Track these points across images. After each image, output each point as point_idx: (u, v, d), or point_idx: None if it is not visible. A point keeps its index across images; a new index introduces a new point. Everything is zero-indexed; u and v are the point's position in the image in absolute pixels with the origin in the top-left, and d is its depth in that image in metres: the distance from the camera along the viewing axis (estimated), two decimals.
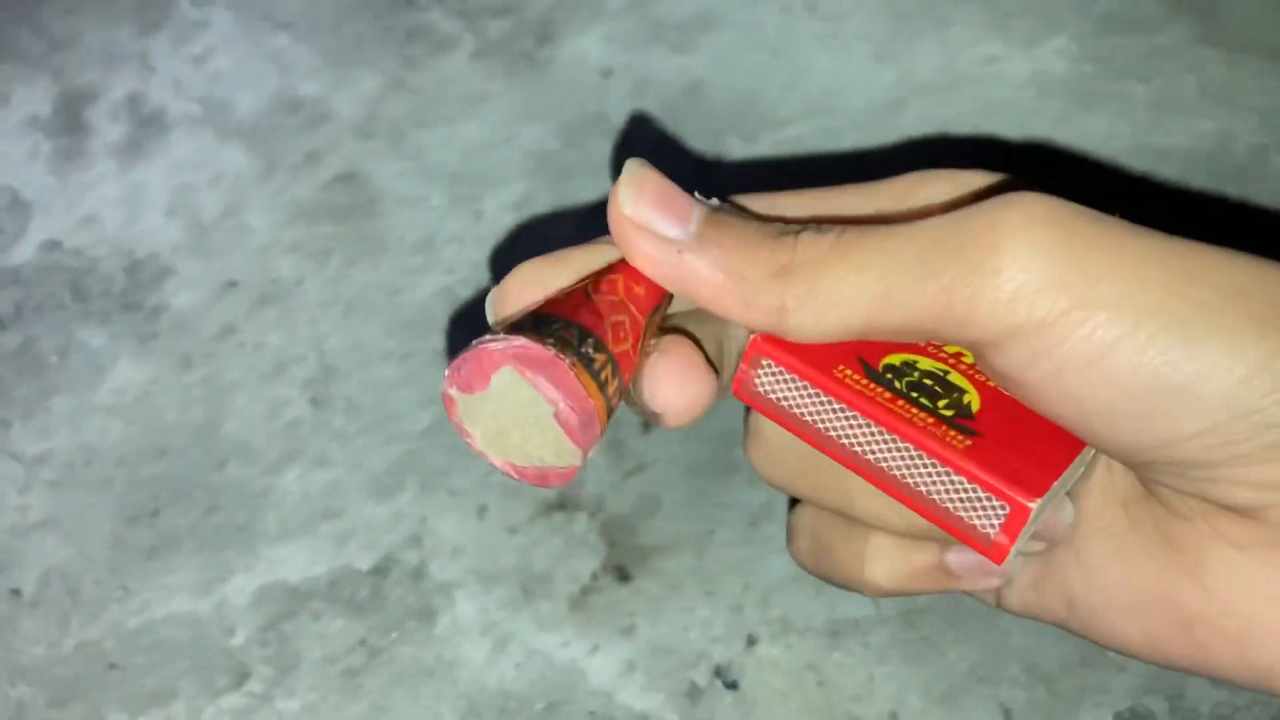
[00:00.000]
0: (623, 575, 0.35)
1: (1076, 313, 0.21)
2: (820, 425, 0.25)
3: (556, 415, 0.23)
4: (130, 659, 0.34)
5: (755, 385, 0.26)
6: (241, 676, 0.34)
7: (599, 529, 0.35)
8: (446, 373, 0.24)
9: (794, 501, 0.32)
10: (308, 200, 0.43)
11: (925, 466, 0.24)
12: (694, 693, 0.33)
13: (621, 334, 0.24)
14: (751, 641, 0.33)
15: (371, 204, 0.42)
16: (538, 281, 0.25)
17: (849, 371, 0.25)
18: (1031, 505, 0.23)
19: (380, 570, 0.35)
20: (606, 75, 0.44)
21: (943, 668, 0.32)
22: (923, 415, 0.24)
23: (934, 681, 0.32)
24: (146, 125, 0.45)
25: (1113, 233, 0.22)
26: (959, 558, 0.27)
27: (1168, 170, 0.41)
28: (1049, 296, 0.21)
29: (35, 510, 0.37)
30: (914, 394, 0.24)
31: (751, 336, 0.25)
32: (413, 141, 0.44)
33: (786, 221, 0.25)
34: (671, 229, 0.24)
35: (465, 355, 0.24)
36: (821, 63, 0.44)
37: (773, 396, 0.25)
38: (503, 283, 0.26)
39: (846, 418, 0.24)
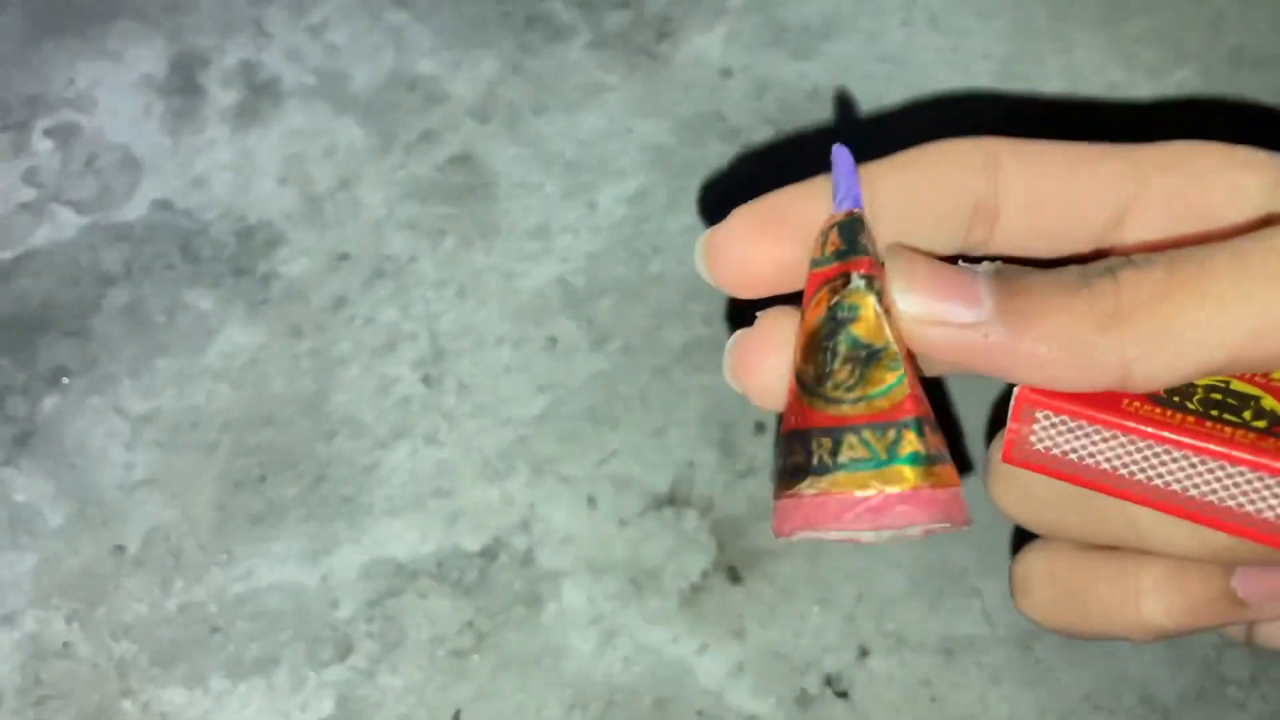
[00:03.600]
0: (734, 576, 0.34)
1: None
2: (1122, 470, 0.22)
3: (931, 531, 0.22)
4: (233, 624, 0.34)
5: (1033, 444, 0.22)
6: (345, 650, 0.33)
7: (710, 528, 0.35)
8: (780, 521, 0.22)
9: (1019, 541, 0.29)
10: (423, 178, 0.42)
11: (1270, 488, 0.21)
12: (804, 699, 0.32)
13: (911, 370, 0.22)
14: (864, 653, 0.33)
15: (486, 187, 0.42)
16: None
17: (1136, 404, 0.22)
18: None
19: (489, 553, 0.35)
20: (726, 75, 0.44)
21: (1057, 693, 0.32)
22: (1241, 433, 0.21)
23: (1048, 706, 0.32)
24: (260, 92, 0.45)
25: None
26: (1249, 582, 0.24)
27: None
28: None
29: (140, 469, 0.37)
30: (1214, 412, 0.22)
31: (1017, 388, 0.22)
32: (529, 127, 0.44)
33: (1068, 262, 0.22)
34: (966, 313, 0.21)
35: (806, 511, 0.21)
36: (943, 77, 0.44)
37: (1056, 451, 0.22)
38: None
39: (1155, 455, 0.21)
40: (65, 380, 0.38)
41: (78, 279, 0.40)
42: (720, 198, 0.42)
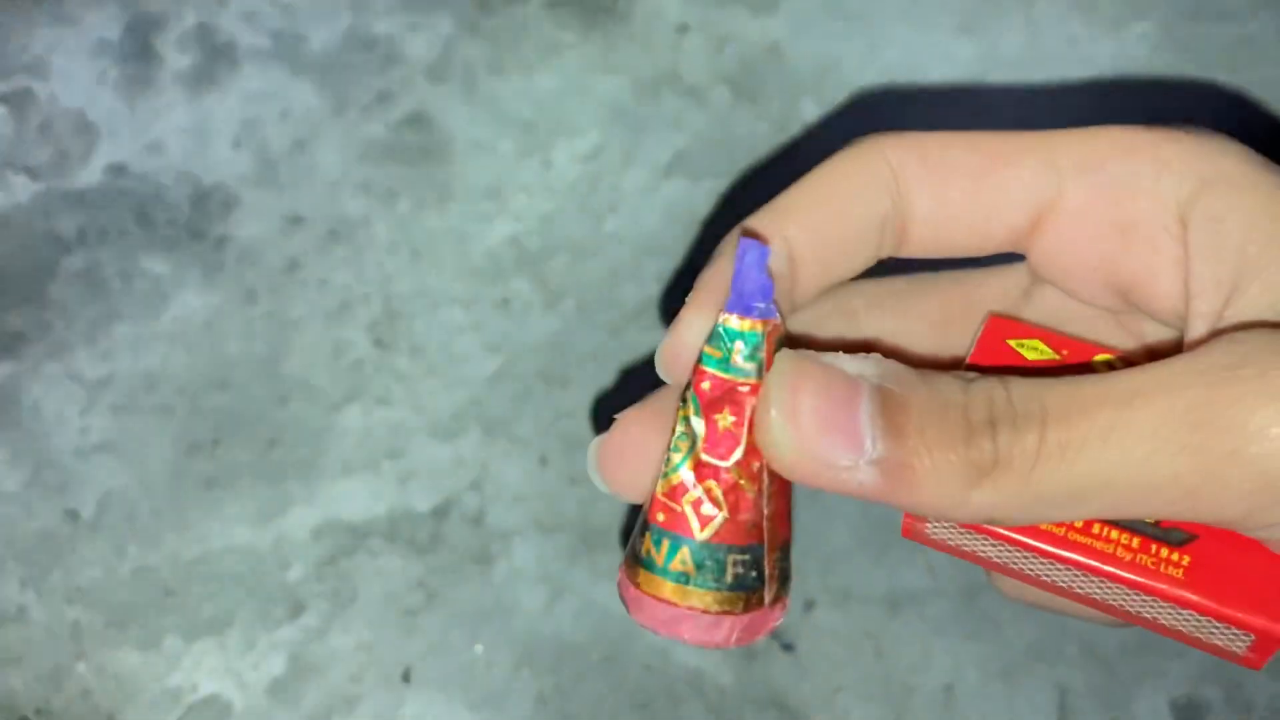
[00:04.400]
0: None
1: None
2: (1013, 567, 0.22)
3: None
4: (187, 587, 0.34)
5: (927, 534, 0.23)
6: (298, 609, 0.34)
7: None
8: (631, 612, 0.23)
9: None
10: (378, 140, 0.42)
11: (1146, 601, 0.21)
12: (750, 653, 0.33)
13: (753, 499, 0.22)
14: (810, 606, 0.33)
15: (441, 148, 0.42)
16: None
17: None
18: None
19: (440, 513, 0.35)
20: (683, 31, 0.44)
21: (1000, 644, 0.32)
22: (1126, 538, 0.21)
23: (991, 657, 0.32)
24: (216, 56, 0.45)
25: None
26: None
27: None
28: None
29: (95, 433, 0.37)
30: None
31: None
32: (485, 87, 0.43)
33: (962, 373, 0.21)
34: (843, 457, 0.20)
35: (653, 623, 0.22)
36: (902, 33, 0.44)
37: (951, 544, 0.23)
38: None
39: (1040, 563, 0.22)
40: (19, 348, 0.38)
41: (32, 245, 0.40)
42: (676, 157, 0.42)
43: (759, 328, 0.21)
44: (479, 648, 0.32)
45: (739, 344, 0.21)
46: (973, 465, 0.20)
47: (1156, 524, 0.21)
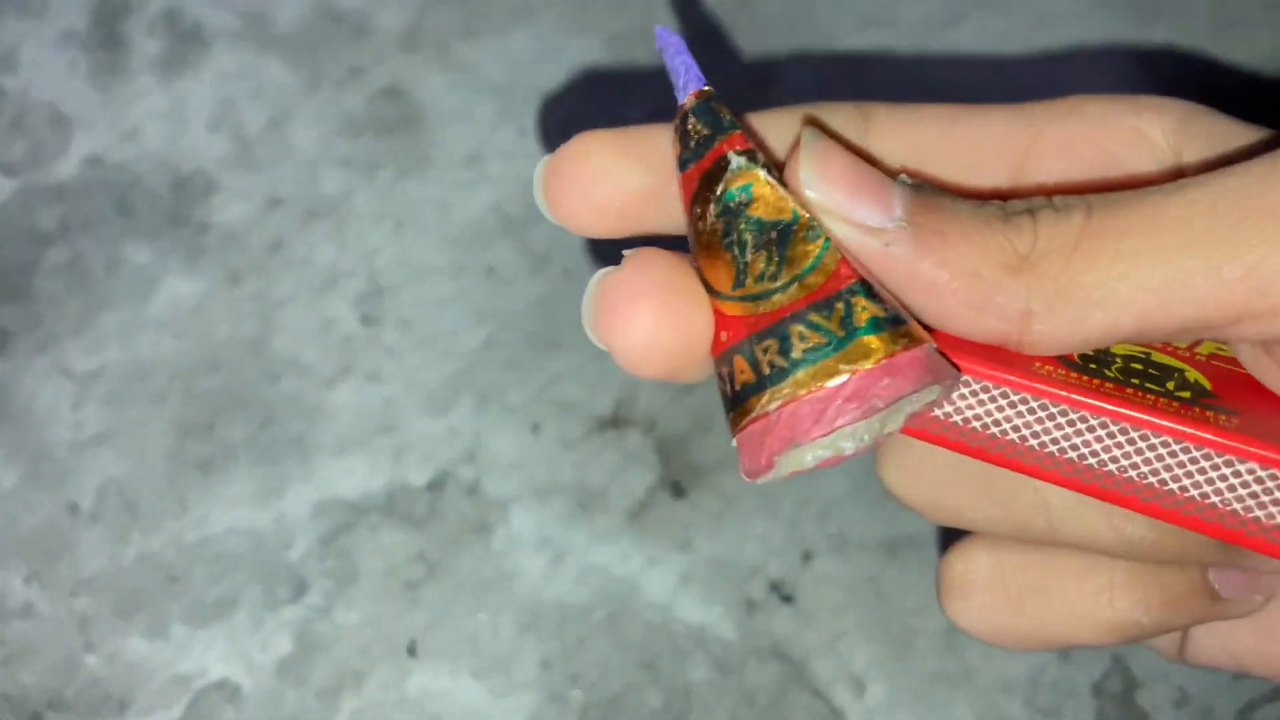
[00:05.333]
0: (678, 491, 0.35)
1: None
2: (1033, 441, 0.20)
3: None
4: (191, 571, 0.34)
5: (935, 414, 0.20)
6: (301, 588, 0.34)
7: (653, 445, 0.35)
8: (750, 457, 0.19)
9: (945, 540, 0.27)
10: (353, 114, 0.42)
11: (1196, 462, 0.19)
12: (750, 605, 0.33)
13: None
14: (808, 556, 0.33)
15: (418, 117, 0.42)
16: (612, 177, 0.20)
17: (1049, 367, 0.19)
18: None
19: (436, 485, 0.35)
20: None
21: None
22: (1167, 401, 0.19)
23: None
24: (185, 39, 0.44)
25: None
26: (1227, 576, 0.22)
27: (1233, 82, 0.40)
28: None
29: (90, 425, 0.37)
30: (1135, 380, 0.20)
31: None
32: (458, 54, 0.43)
33: (985, 197, 0.20)
34: (874, 216, 0.19)
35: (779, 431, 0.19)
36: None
37: (960, 420, 0.20)
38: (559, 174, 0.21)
39: (1070, 422, 0.19)
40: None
41: (14, 241, 0.40)
42: (652, 114, 0.41)
43: (707, 95, 0.21)
44: (482, 615, 0.33)
45: (718, 105, 0.21)
46: (1011, 245, 0.18)
47: (1195, 399, 0.19)
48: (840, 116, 0.22)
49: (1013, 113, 0.22)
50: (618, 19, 0.43)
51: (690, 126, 0.21)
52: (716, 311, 0.20)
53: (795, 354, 0.19)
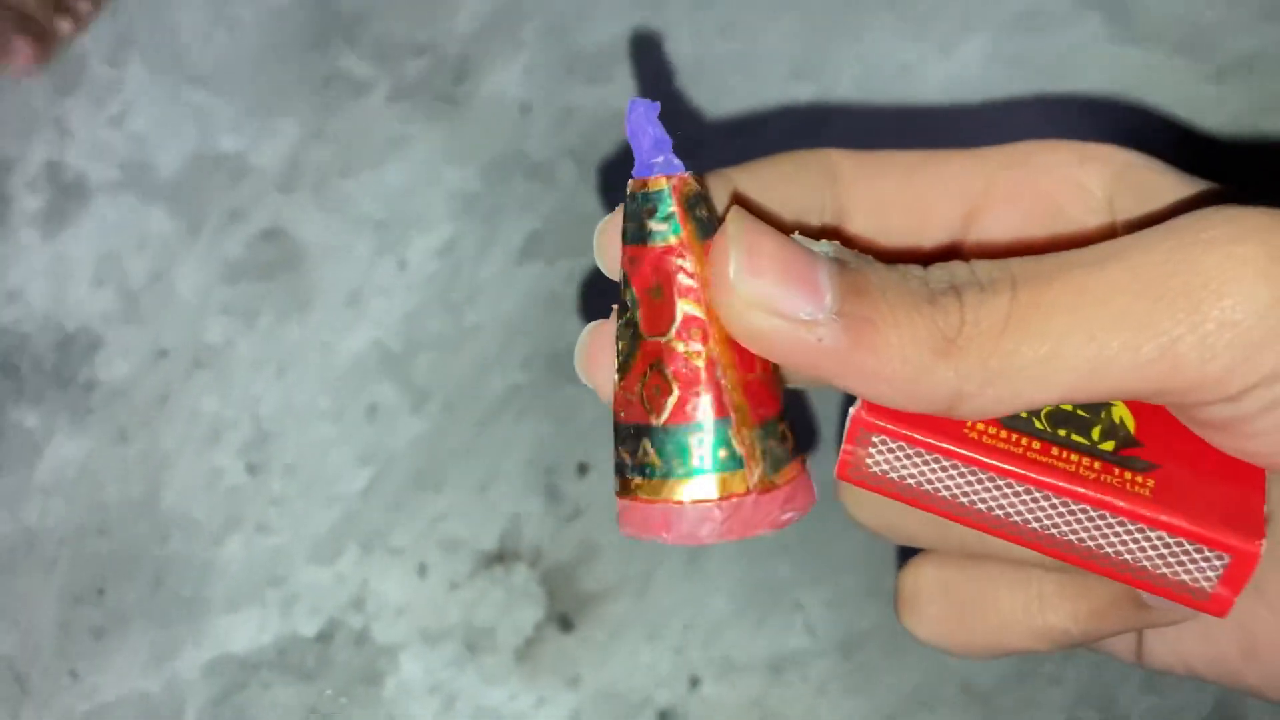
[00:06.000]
0: (566, 624, 0.35)
1: None
2: (962, 500, 0.21)
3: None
4: None
5: (869, 466, 0.21)
6: None
7: (539, 579, 0.36)
8: (620, 521, 0.21)
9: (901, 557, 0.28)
10: (234, 259, 0.42)
11: (1110, 527, 0.20)
12: None
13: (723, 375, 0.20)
14: (695, 682, 0.34)
15: (298, 258, 0.42)
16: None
17: (980, 425, 0.20)
18: (1257, 549, 0.19)
19: (325, 636, 0.35)
20: (526, 110, 0.44)
21: (883, 695, 0.33)
22: (1088, 461, 0.20)
23: (875, 709, 0.33)
24: (67, 193, 0.45)
25: None
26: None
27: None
28: None
29: None
30: (1061, 431, 0.21)
31: (854, 408, 0.21)
32: (336, 191, 0.44)
33: (933, 257, 0.21)
34: (805, 308, 0.19)
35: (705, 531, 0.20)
36: (737, 84, 0.44)
37: (894, 476, 0.21)
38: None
39: (996, 486, 0.20)
40: None
41: None
42: (529, 239, 0.42)
43: (663, 184, 0.20)
44: None
45: (648, 206, 0.20)
46: (939, 329, 0.19)
47: (1116, 450, 0.20)
48: (809, 164, 0.23)
49: (968, 159, 0.23)
50: (490, 145, 0.44)
51: (629, 209, 0.21)
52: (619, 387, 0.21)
53: (653, 462, 0.20)
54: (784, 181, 0.23)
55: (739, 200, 0.22)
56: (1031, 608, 0.24)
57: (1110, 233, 0.22)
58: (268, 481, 0.38)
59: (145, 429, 0.39)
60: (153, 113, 0.46)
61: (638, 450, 0.20)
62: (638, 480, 0.20)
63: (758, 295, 0.19)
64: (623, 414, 0.20)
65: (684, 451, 0.20)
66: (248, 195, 0.44)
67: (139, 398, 0.40)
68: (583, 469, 0.37)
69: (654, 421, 0.20)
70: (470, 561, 0.36)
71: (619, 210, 0.21)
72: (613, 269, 0.22)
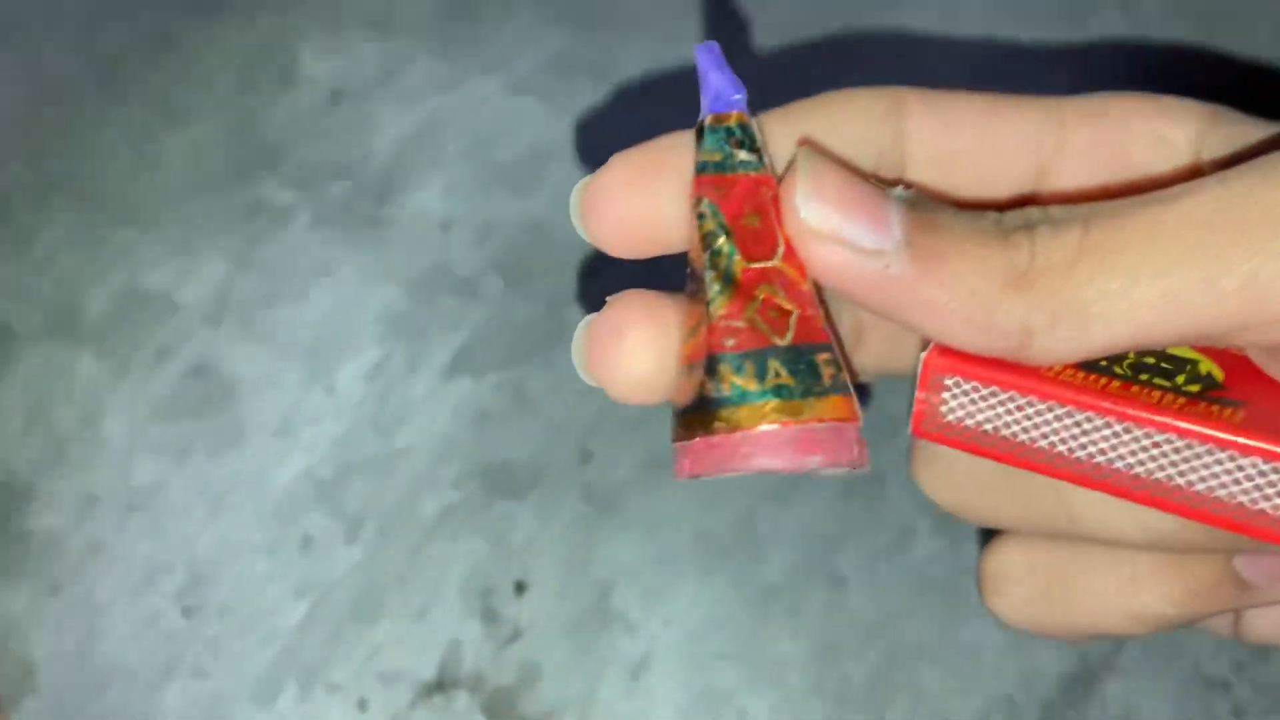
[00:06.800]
0: None
1: None
2: (1042, 442, 0.20)
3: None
4: None
5: (944, 415, 0.21)
6: None
7: (481, 705, 0.35)
8: (679, 465, 0.20)
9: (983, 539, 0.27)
10: (163, 398, 0.42)
11: (1200, 458, 0.19)
12: None
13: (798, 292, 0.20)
14: None
15: (227, 393, 0.42)
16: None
17: (1057, 367, 0.20)
18: None
19: None
20: (447, 227, 0.45)
21: None
22: (1171, 397, 0.20)
23: None
24: None
25: None
26: (1254, 564, 0.22)
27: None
28: None
29: None
30: (1144, 376, 0.20)
31: (925, 352, 0.21)
32: (263, 321, 0.44)
33: (988, 207, 0.20)
34: (870, 237, 0.19)
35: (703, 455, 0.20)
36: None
37: (970, 423, 0.21)
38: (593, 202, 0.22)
39: (1076, 423, 0.20)
40: None
41: None
42: (457, 355, 0.42)
43: (748, 118, 0.21)
44: None
45: (735, 138, 0.21)
46: (1009, 263, 0.19)
47: (1204, 392, 0.20)
48: (876, 105, 0.22)
49: (1043, 109, 0.22)
50: (414, 264, 0.44)
51: (708, 143, 0.21)
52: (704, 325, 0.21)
53: (722, 389, 0.20)
54: (852, 120, 0.22)
55: (807, 141, 0.21)
56: (1126, 589, 0.23)
57: (1195, 175, 0.21)
58: (204, 623, 0.38)
59: (78, 579, 0.39)
60: (79, 254, 0.46)
61: (764, 374, 0.20)
62: (763, 405, 0.19)
63: (825, 225, 0.19)
64: (730, 341, 0.20)
65: (815, 370, 0.20)
66: (175, 332, 0.44)
67: (71, 547, 0.40)
68: (520, 587, 0.37)
69: (779, 342, 0.20)
70: (410, 692, 0.35)
71: (615, 164, 0.22)
72: (611, 232, 0.22)
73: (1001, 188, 0.23)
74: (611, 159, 0.22)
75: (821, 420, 0.20)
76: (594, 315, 0.22)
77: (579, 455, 0.40)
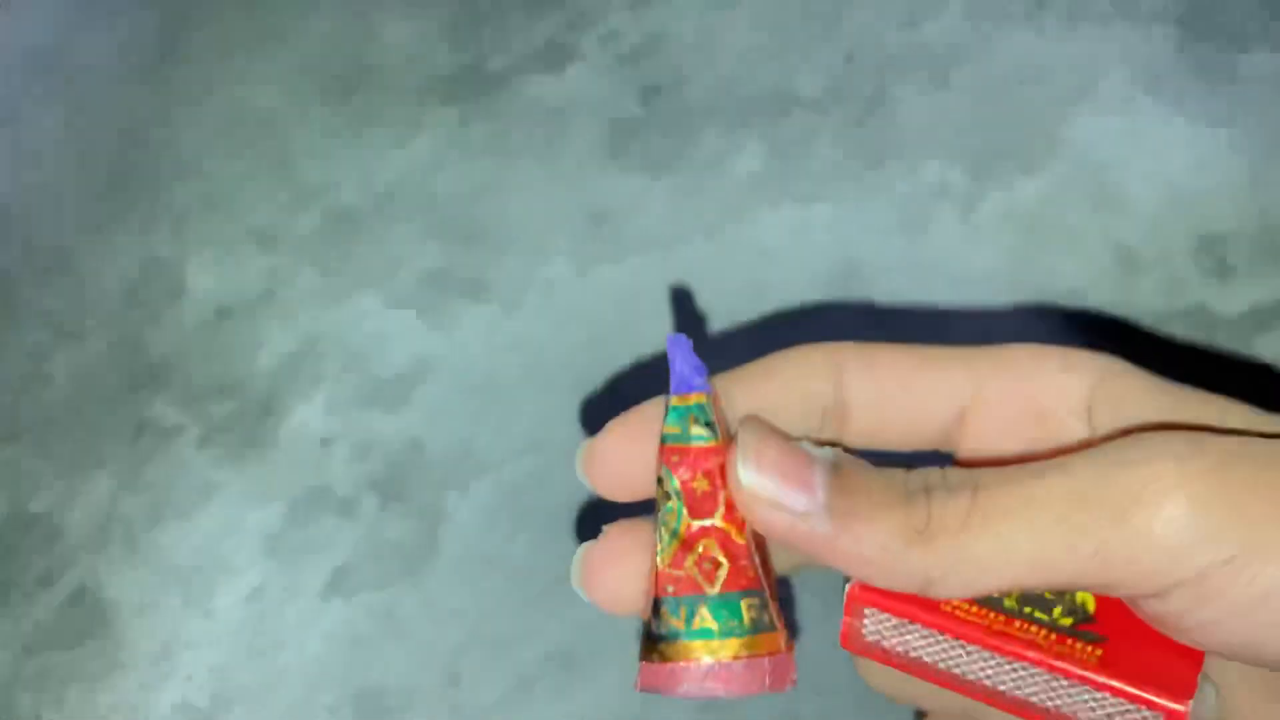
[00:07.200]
0: None
1: (1240, 561, 0.21)
2: (940, 664, 0.25)
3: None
4: None
5: (865, 636, 0.25)
6: None
7: None
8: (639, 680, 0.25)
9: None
10: (43, 625, 0.43)
11: (1061, 688, 0.23)
12: None
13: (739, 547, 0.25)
14: None
15: (107, 620, 0.43)
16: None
17: (956, 601, 0.24)
18: (1184, 709, 0.23)
19: None
20: (327, 445, 0.46)
21: None
22: (1044, 633, 0.24)
23: None
24: None
25: (1268, 472, 0.22)
26: None
27: None
28: (1209, 549, 0.21)
29: None
30: (1027, 609, 0.24)
31: (849, 585, 0.25)
32: (146, 543, 0.45)
33: (906, 467, 0.24)
34: (799, 501, 0.23)
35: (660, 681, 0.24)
36: (528, 400, 0.47)
37: (886, 644, 0.25)
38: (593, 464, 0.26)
39: (966, 653, 0.24)
40: None
41: None
42: (333, 577, 0.44)
43: (705, 398, 0.25)
44: None
45: (692, 415, 0.25)
46: (910, 524, 0.23)
47: (1073, 625, 0.24)
48: (817, 359, 0.27)
49: (962, 360, 0.27)
50: (295, 483, 0.46)
51: (672, 417, 0.26)
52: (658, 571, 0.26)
53: (663, 626, 0.24)
54: (799, 376, 0.27)
55: (751, 417, 0.26)
56: None
57: (1086, 434, 0.26)
58: None
59: None
60: None
61: (693, 617, 0.24)
62: (691, 644, 0.24)
63: (762, 491, 0.24)
64: (671, 588, 0.24)
65: (738, 613, 0.24)
66: (58, 557, 0.45)
67: None
68: None
69: (709, 590, 0.24)
70: None
71: (610, 430, 0.26)
72: (608, 482, 0.26)
73: (928, 429, 0.27)
74: (608, 425, 0.26)
75: (738, 658, 0.24)
76: (591, 543, 0.27)
77: (447, 678, 0.41)
